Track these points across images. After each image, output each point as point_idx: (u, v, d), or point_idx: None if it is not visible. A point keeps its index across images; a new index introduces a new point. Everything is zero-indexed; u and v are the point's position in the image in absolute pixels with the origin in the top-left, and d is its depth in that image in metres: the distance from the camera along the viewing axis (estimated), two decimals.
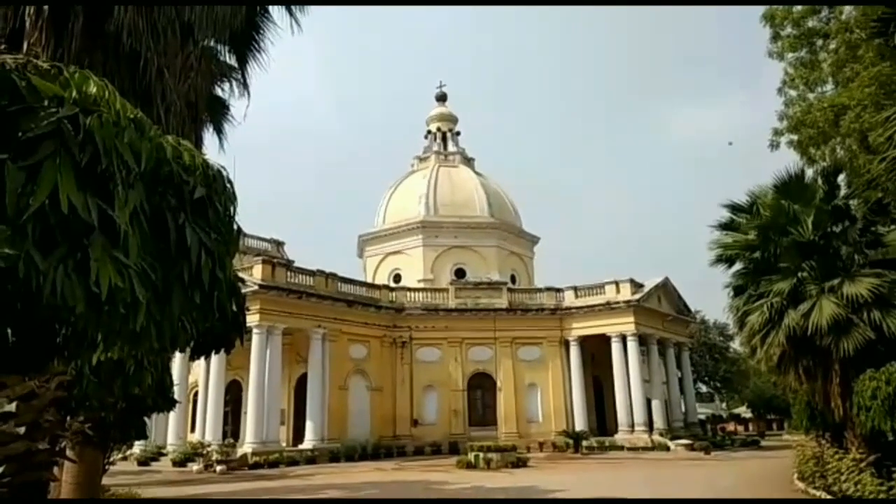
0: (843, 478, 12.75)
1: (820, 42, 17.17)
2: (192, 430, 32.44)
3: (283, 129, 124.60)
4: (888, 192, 12.05)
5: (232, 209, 3.47)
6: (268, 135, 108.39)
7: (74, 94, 2.87)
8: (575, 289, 38.15)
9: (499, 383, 36.58)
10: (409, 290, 38.79)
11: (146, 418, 10.12)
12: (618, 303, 36.18)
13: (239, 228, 3.59)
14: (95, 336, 3.15)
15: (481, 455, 24.75)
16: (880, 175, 10.31)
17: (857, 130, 14.17)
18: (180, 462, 27.37)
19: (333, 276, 33.75)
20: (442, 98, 53.60)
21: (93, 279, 2.51)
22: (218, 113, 11.28)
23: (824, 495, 13.42)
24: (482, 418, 36.15)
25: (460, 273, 43.34)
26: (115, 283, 2.55)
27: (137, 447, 28.13)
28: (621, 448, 33.24)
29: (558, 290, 38.67)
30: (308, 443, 29.84)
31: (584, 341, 37.06)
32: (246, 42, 9.73)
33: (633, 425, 34.89)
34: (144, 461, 28.60)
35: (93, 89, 3.01)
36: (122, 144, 2.79)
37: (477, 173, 49.60)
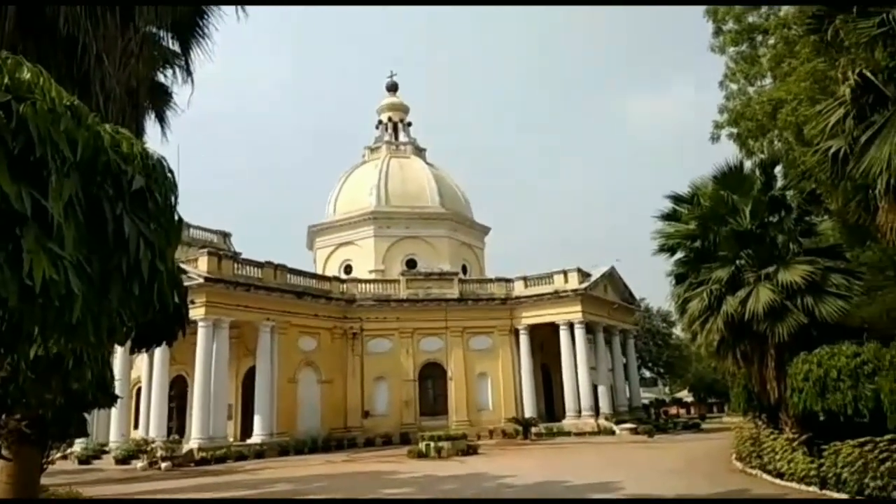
0: (777, 457, 13.35)
1: (760, 37, 17.72)
2: (136, 426, 31.58)
3: (231, 119, 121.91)
4: (821, 183, 12.57)
5: (173, 199, 3.40)
6: (214, 124, 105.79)
7: (6, 80, 2.77)
8: (525, 279, 38.60)
9: (450, 373, 36.78)
10: (361, 281, 38.56)
11: (86, 415, 9.84)
12: (566, 292, 36.78)
13: (180, 219, 3.52)
14: (31, 330, 3.06)
15: (432, 444, 24.91)
16: (814, 167, 10.77)
17: (794, 123, 14.71)
18: (123, 459, 26.65)
19: (282, 267, 33.26)
20: (393, 88, 53.21)
21: (25, 271, 2.43)
22: (160, 100, 10.98)
23: (761, 474, 14.01)
24: (433, 408, 36.31)
25: (412, 264, 43.31)
26: (50, 275, 2.48)
27: (78, 445, 27.23)
28: (568, 433, 33.89)
29: (508, 281, 39.06)
30: (256, 437, 29.41)
31: (533, 330, 37.59)
32: (189, 28, 9.48)
33: (580, 411, 35.62)
34: (86, 459, 27.74)
35: (26, 75, 2.91)
36: (58, 132, 2.71)
37: (428, 164, 49.54)
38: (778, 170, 15.78)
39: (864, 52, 8.92)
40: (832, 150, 9.38)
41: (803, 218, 15.06)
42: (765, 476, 13.73)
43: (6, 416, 7.07)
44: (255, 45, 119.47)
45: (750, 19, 17.65)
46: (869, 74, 8.50)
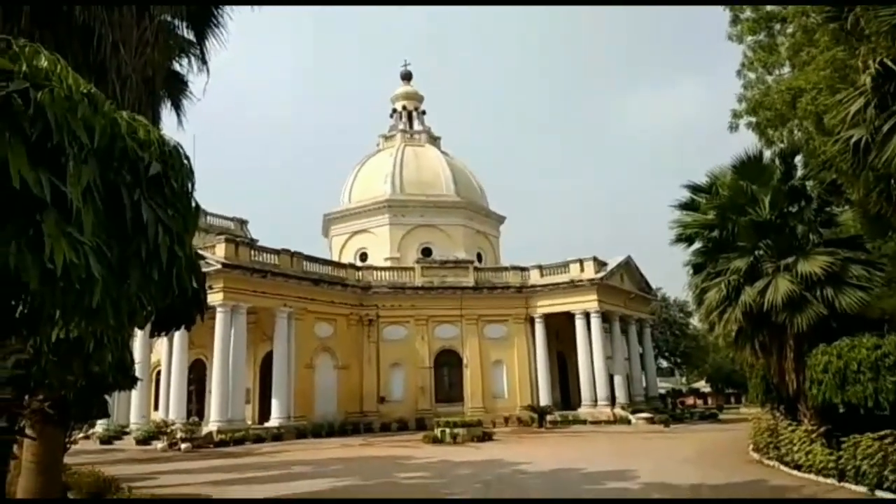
0: (795, 448, 13.26)
1: (778, 26, 17.42)
2: (156, 409, 32.12)
3: (247, 107, 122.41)
4: (842, 173, 12.37)
5: (189, 185, 3.44)
6: (231, 112, 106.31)
7: (24, 68, 2.81)
8: (540, 267, 38.52)
9: (465, 360, 36.90)
10: (376, 268, 38.71)
11: (107, 397, 10.01)
12: (581, 281, 36.66)
13: (197, 205, 3.56)
14: (52, 313, 3.12)
15: (447, 430, 25.06)
16: (834, 156, 10.59)
17: (813, 113, 14.46)
18: (144, 440, 27.10)
19: (299, 254, 33.49)
20: (407, 77, 53.10)
21: (47, 255, 2.48)
22: (176, 89, 11.03)
23: (778, 465, 13.93)
24: (448, 394, 36.48)
25: (427, 252, 43.37)
26: (70, 259, 2.53)
27: (100, 426, 27.74)
28: (584, 422, 33.91)
29: (524, 269, 39.00)
30: (274, 420, 29.80)
31: (549, 319, 37.54)
32: (205, 16, 9.51)
33: (595, 400, 35.60)
34: (107, 440, 28.24)
35: (44, 63, 2.94)
36: (75, 119, 2.75)
37: (443, 152, 49.45)
38: (798, 159, 15.57)
39: (884, 41, 8.74)
40: (853, 140, 9.22)
41: (823, 208, 14.87)
42: (782, 467, 13.65)
43: (29, 396, 7.22)
44: (271, 34, 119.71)
45: (768, 7, 17.35)
46: (890, 63, 8.33)
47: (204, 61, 9.96)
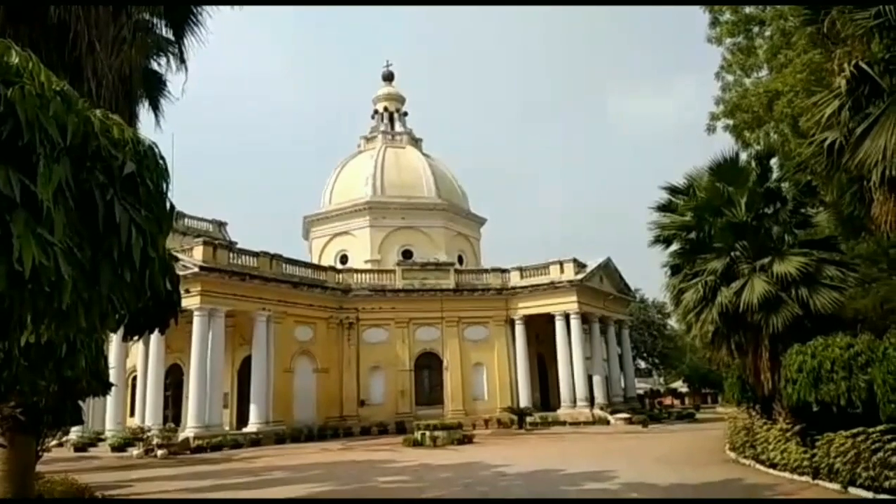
0: (770, 447, 13.41)
1: (756, 28, 17.67)
2: (132, 414, 31.66)
3: (226, 107, 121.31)
4: (816, 175, 12.56)
5: (164, 186, 3.37)
6: (210, 112, 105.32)
7: None
8: (520, 269, 38.62)
9: (445, 362, 36.87)
10: (356, 271, 38.54)
11: (81, 403, 9.84)
12: (561, 282, 36.83)
13: (172, 206, 3.50)
14: (22, 316, 3.04)
15: (427, 433, 25.02)
16: (809, 159, 10.75)
17: (790, 115, 14.69)
18: (119, 447, 26.70)
19: (278, 257, 33.23)
20: (389, 77, 52.98)
21: (15, 256, 2.42)
22: (154, 88, 10.89)
23: (754, 464, 14.09)
24: (429, 397, 36.41)
25: (407, 254, 43.30)
26: (39, 260, 2.47)
27: (74, 433, 27.32)
28: (564, 423, 34.04)
29: (504, 271, 39.07)
30: (252, 425, 29.48)
31: (529, 320, 37.66)
32: (183, 15, 9.39)
33: (575, 401, 35.76)
34: (82, 447, 27.81)
35: (15, 60, 2.88)
36: (47, 117, 2.69)
37: (424, 154, 49.40)
38: (773, 161, 15.80)
39: (860, 44, 8.89)
40: (827, 142, 9.37)
41: (798, 210, 15.07)
42: (758, 466, 13.81)
43: (0, 403, 7.07)
44: (251, 33, 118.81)
45: (747, 10, 17.58)
46: (865, 66, 8.47)
47: (182, 60, 9.84)
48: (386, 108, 51.47)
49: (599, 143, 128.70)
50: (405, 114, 52.18)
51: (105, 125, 3.04)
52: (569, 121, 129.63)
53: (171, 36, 9.70)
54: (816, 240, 14.51)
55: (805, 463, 11.84)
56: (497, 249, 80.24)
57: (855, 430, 10.64)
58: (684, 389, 68.51)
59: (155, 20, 9.28)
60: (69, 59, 6.40)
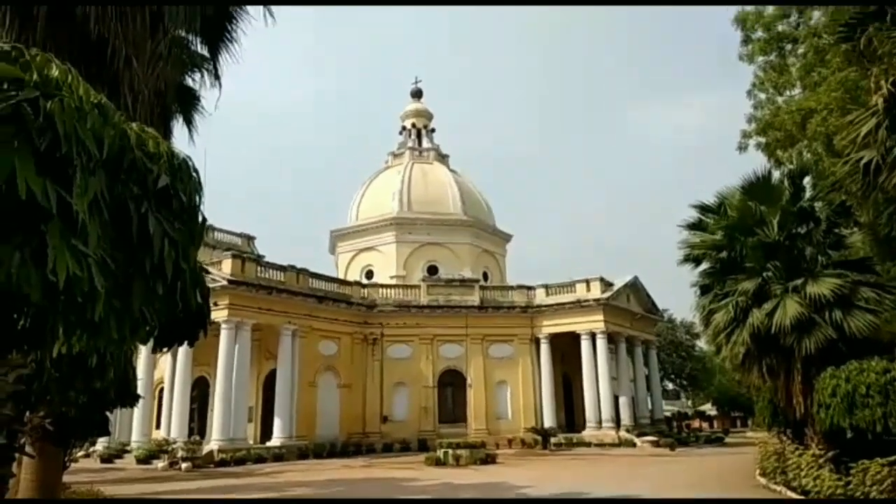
0: (802, 473, 13.03)
1: (789, 46, 17.50)
2: (158, 427, 31.91)
3: (257, 123, 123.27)
4: (851, 195, 12.32)
5: (197, 199, 3.40)
6: (242, 128, 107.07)
7: (35, 77, 2.78)
8: (546, 287, 38.35)
9: (469, 380, 36.64)
10: (381, 286, 38.63)
11: (108, 414, 9.92)
12: (588, 301, 36.47)
13: (204, 219, 3.52)
14: (55, 327, 3.06)
15: (450, 452, 24.79)
16: (844, 178, 10.55)
17: (823, 134, 14.47)
18: (144, 459, 26.91)
19: (304, 271, 33.46)
20: (417, 94, 53.42)
21: (49, 267, 2.43)
22: (188, 104, 11.09)
23: (785, 490, 13.69)
24: (452, 415, 36.16)
25: (433, 270, 43.31)
26: (73, 271, 2.48)
27: (100, 444, 27.64)
28: (588, 444, 33.52)
29: (530, 288, 38.83)
30: (276, 440, 29.55)
31: (554, 339, 37.30)
32: (218, 32, 9.56)
33: (600, 422, 35.22)
34: (108, 458, 28.07)
35: (55, 73, 2.92)
36: (84, 130, 2.72)
37: (451, 170, 49.56)
38: (807, 181, 15.49)
39: None
40: (863, 161, 9.18)
41: (832, 230, 14.74)
42: (789, 493, 13.42)
43: (30, 413, 7.15)
44: (283, 51, 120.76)
45: (779, 28, 17.45)
46: None
47: (216, 76, 10.01)
48: (414, 125, 51.84)
49: (630, 158, 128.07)
50: (433, 130, 52.52)
51: (141, 138, 3.07)
52: (601, 134, 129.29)
53: (206, 52, 9.88)
54: (851, 261, 14.17)
55: (839, 491, 11.47)
56: (522, 266, 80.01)
57: (892, 458, 10.32)
58: (713, 412, 67.23)
59: (191, 37, 9.47)
60: (107, 74, 6.53)
